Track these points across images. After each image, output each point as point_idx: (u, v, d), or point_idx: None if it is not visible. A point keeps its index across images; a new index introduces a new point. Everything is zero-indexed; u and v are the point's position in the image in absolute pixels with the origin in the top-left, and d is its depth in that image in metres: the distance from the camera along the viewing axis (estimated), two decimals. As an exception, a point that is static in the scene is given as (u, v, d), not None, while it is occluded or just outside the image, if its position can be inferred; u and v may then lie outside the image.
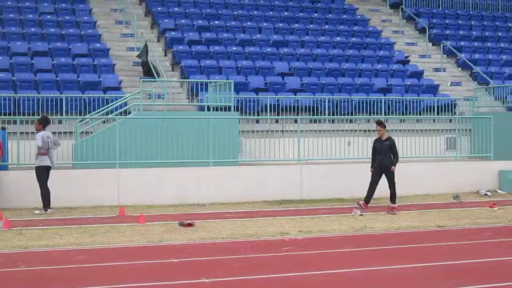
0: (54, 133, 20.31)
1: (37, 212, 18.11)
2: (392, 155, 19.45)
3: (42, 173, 18.40)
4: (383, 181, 19.50)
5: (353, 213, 18.17)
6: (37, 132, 18.71)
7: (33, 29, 28.58)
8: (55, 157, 19.16)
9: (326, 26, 33.62)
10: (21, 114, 22.46)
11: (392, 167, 19.34)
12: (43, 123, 18.79)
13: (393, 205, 19.18)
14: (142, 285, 10.25)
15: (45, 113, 21.35)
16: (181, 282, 10.49)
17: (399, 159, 19.80)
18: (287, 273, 11.17)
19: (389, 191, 19.42)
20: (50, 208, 18.17)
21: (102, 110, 22.74)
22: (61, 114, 22.69)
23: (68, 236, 14.68)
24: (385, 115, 25.59)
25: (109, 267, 11.73)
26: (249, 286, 10.50)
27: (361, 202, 19.17)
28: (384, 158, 19.37)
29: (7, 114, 22.22)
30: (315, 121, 24.83)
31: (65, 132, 21.49)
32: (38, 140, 18.34)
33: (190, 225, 15.91)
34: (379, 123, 19.81)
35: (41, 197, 18.22)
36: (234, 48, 29.69)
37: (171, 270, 11.46)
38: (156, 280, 10.58)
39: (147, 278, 10.69)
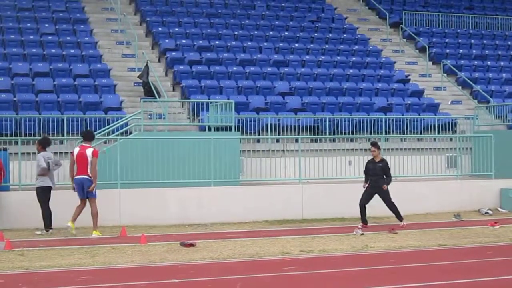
0: (55, 153, 20.41)
1: (39, 232, 18.14)
2: (384, 176, 19.53)
3: (43, 194, 18.42)
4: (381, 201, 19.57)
5: (354, 233, 18.17)
6: (38, 153, 18.74)
7: (34, 50, 28.68)
8: (55, 178, 19.18)
9: (327, 46, 33.72)
10: (23, 135, 22.52)
11: (384, 186, 19.39)
12: (43, 144, 18.82)
13: (402, 223, 19.41)
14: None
15: (46, 134, 21.39)
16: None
17: (392, 179, 19.86)
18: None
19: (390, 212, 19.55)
20: (51, 228, 18.19)
21: (104, 131, 22.77)
22: (63, 135, 22.75)
23: (69, 256, 14.68)
24: (385, 134, 25.64)
25: (110, 287, 11.73)
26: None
27: (360, 225, 19.16)
28: (378, 179, 19.45)
29: (9, 135, 22.28)
30: (316, 141, 24.86)
31: (66, 153, 21.49)
32: (40, 161, 18.34)
33: (191, 245, 15.92)
34: (374, 144, 19.90)
35: (42, 218, 18.24)
36: (235, 68, 29.77)
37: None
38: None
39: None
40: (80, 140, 20.87)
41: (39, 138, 19.71)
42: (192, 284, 12.10)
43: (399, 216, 19.52)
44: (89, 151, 18.25)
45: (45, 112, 24.21)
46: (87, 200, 18.23)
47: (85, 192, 18.12)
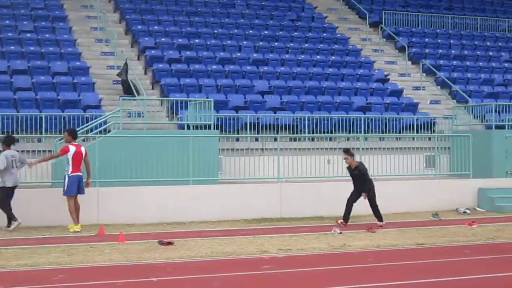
0: (34, 152, 20.36)
1: (10, 228, 18.14)
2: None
3: (5, 193, 18.49)
4: (360, 200, 19.61)
5: (332, 232, 18.21)
6: (2, 151, 18.75)
7: (12, 48, 28.49)
8: (19, 175, 19.19)
9: (306, 45, 33.74)
10: (1, 132, 22.37)
11: (362, 194, 19.49)
12: (7, 143, 18.83)
13: (381, 223, 19.50)
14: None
15: (9, 132, 21.21)
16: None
17: (377, 177, 19.94)
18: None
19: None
20: (12, 225, 18.30)
21: (82, 129, 22.67)
22: (41, 133, 22.61)
23: (47, 255, 14.62)
24: (364, 133, 25.68)
25: (88, 286, 11.70)
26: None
27: (339, 221, 19.23)
28: (361, 184, 19.59)
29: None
30: (295, 139, 24.90)
31: (44, 151, 21.41)
32: (1, 160, 18.36)
33: (169, 243, 15.91)
34: (346, 152, 19.91)
35: (6, 216, 18.39)
36: (214, 67, 29.73)
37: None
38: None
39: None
40: (59, 138, 20.90)
41: (3, 136, 19.67)
42: (170, 282, 12.09)
43: (380, 218, 19.61)
44: (83, 149, 18.90)
45: (23, 110, 24.05)
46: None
47: (80, 188, 18.58)
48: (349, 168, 19.88)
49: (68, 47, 29.30)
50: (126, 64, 27.14)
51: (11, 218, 18.38)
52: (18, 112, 23.75)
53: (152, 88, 28.49)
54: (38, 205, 19.27)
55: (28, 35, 29.80)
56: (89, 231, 18.11)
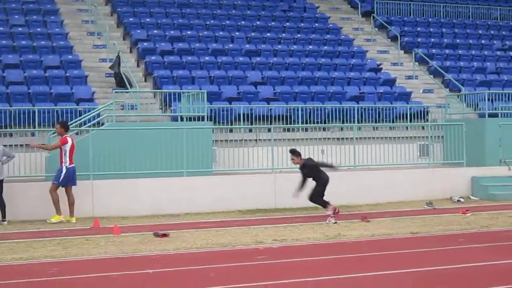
0: (27, 146, 20.36)
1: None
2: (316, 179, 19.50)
3: None
4: (359, 190, 19.60)
5: (327, 221, 18.22)
6: None
7: (4, 42, 28.42)
8: (7, 170, 19.30)
9: (298, 35, 33.73)
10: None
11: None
12: None
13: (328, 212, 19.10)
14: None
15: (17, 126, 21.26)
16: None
17: (371, 167, 19.84)
18: (261, 281, 11.18)
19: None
20: (5, 220, 18.41)
21: (75, 122, 22.64)
22: (34, 127, 22.58)
23: (42, 249, 14.62)
24: (358, 123, 25.69)
25: (83, 278, 11.69)
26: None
27: (333, 207, 19.09)
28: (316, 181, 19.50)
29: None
30: (288, 130, 24.90)
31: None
32: None
33: (164, 235, 15.91)
34: (292, 152, 19.80)
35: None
36: (207, 58, 29.70)
37: (146, 281, 11.44)
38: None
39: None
40: (52, 131, 20.90)
41: None
42: (166, 274, 12.09)
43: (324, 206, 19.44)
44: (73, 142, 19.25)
45: (16, 104, 24.01)
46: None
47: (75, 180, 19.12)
48: (300, 167, 19.75)
49: (60, 41, 29.24)
50: (118, 56, 27.10)
51: (4, 214, 18.49)
52: (11, 106, 23.71)
53: (145, 81, 28.48)
54: (32, 198, 19.27)
55: (20, 29, 29.73)
56: (84, 224, 18.11)
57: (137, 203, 20.31)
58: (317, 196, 19.38)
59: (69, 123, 21.87)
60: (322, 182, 19.35)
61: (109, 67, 27.57)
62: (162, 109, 25.77)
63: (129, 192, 20.42)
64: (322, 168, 19.63)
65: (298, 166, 19.80)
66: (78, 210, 19.10)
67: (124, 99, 24.23)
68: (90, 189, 19.99)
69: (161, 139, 21.54)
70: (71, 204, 19.01)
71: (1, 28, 29.51)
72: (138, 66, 29.57)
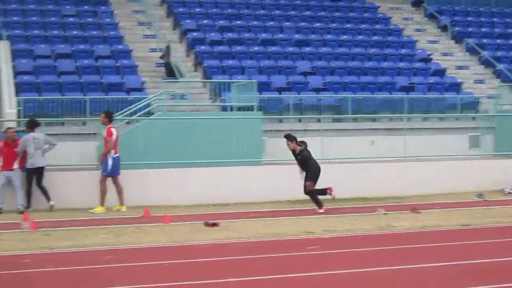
0: (78, 135, 20.56)
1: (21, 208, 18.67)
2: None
3: (29, 175, 18.99)
4: (409, 181, 19.41)
5: (377, 212, 18.15)
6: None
7: (56, 32, 28.76)
8: (46, 157, 19.43)
9: (348, 25, 33.59)
10: (46, 116, 22.63)
11: (307, 183, 18.72)
12: (30, 126, 19.23)
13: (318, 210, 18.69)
14: (168, 285, 10.27)
15: (32, 117, 21.32)
16: (206, 281, 10.50)
17: (421, 158, 19.64)
18: (312, 272, 11.16)
19: None
20: (51, 200, 18.89)
21: (126, 111, 22.82)
22: (85, 116, 22.83)
23: (94, 237, 14.75)
24: (408, 113, 25.54)
25: (135, 267, 11.78)
26: (274, 285, 10.50)
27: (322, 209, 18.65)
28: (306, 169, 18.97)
29: (32, 116, 22.33)
30: (338, 120, 24.87)
31: (89, 134, 21.62)
32: (20, 145, 18.87)
33: (214, 225, 15.95)
34: (287, 137, 19.16)
35: (25, 196, 18.93)
36: (256, 48, 29.75)
37: (196, 270, 11.49)
38: (182, 279, 10.60)
39: (172, 278, 10.71)
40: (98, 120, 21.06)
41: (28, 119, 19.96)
42: (216, 263, 12.09)
43: (317, 204, 18.89)
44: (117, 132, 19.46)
45: (68, 93, 24.31)
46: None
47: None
48: (293, 153, 19.25)
49: (111, 31, 29.51)
50: (168, 47, 27.26)
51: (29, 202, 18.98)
52: (62, 95, 23.98)
53: (195, 70, 28.58)
54: (83, 187, 19.46)
55: (71, 19, 30.06)
56: (135, 213, 18.25)
57: (187, 192, 20.40)
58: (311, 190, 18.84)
59: (120, 112, 22.14)
60: (312, 173, 18.77)
61: (159, 57, 27.74)
62: (211, 99, 25.85)
63: (179, 181, 20.52)
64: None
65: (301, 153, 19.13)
66: (128, 199, 19.26)
67: (174, 89, 24.36)
68: (141, 178, 20.12)
69: (211, 129, 21.62)
70: (119, 193, 19.18)
71: (53, 19, 29.85)
72: (187, 56, 29.69)
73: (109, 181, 19.23)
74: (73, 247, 13.57)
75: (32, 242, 14.12)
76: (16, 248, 13.46)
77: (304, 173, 18.99)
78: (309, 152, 18.98)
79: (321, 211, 18.48)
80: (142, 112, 22.69)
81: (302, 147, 18.96)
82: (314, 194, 18.81)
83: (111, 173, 19.04)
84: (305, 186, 18.87)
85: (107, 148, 19.10)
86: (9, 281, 10.66)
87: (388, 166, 21.00)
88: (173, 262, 12.10)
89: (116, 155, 19.13)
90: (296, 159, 19.18)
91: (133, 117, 22.43)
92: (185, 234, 14.97)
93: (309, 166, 18.85)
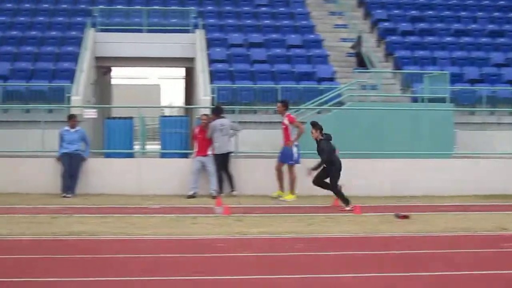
0: (266, 123, 20.92)
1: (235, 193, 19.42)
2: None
3: (215, 161, 19.51)
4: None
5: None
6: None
7: (249, 21, 29.41)
8: (232, 143, 19.99)
9: (546, 14, 32.43)
10: (238, 104, 23.18)
11: (308, 170, 17.65)
12: (216, 113, 19.69)
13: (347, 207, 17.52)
14: (360, 276, 10.32)
15: (224, 104, 21.70)
16: (401, 274, 10.47)
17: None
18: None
19: None
20: (234, 190, 19.56)
21: (317, 101, 23.01)
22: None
23: (285, 224, 14.95)
24: None
25: (328, 256, 11.88)
26: (476, 282, 10.27)
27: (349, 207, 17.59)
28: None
29: (226, 103, 22.94)
30: (533, 114, 24.11)
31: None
32: (209, 130, 19.40)
33: (405, 217, 15.82)
34: (313, 125, 18.08)
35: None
36: (448, 39, 29.24)
37: (390, 261, 11.45)
38: (374, 271, 10.61)
39: (365, 269, 10.73)
40: (294, 109, 21.29)
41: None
42: (410, 256, 11.99)
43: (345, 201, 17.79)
44: None
45: (260, 81, 24.78)
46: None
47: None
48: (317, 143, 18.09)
49: (302, 20, 29.83)
50: (359, 37, 27.26)
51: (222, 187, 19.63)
52: (255, 84, 24.46)
53: (386, 61, 28.42)
54: (268, 174, 19.70)
55: (264, 8, 30.62)
56: (324, 203, 18.36)
57: (376, 183, 20.34)
58: (335, 185, 17.90)
59: (310, 102, 22.37)
60: (336, 168, 17.76)
61: (350, 47, 27.80)
62: (402, 89, 25.64)
63: (368, 172, 20.46)
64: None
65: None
66: (318, 188, 19.42)
67: (365, 79, 24.33)
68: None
69: (401, 120, 21.43)
70: (292, 181, 19.21)
71: (247, 8, 30.54)
72: (378, 46, 29.58)
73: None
74: (264, 233, 13.79)
75: (225, 226, 14.49)
76: (210, 232, 13.85)
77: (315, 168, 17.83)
78: (327, 146, 17.76)
79: (348, 208, 17.43)
80: (333, 102, 22.80)
81: (323, 138, 17.91)
82: (339, 191, 17.87)
83: (297, 160, 19.21)
84: (331, 182, 17.94)
85: (300, 133, 19.07)
86: (210, 263, 11.00)
87: None
88: (364, 253, 12.12)
89: (296, 143, 19.26)
90: (317, 149, 18.09)
91: (323, 107, 22.58)
92: (376, 225, 14.92)
93: (331, 161, 17.74)
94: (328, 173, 17.77)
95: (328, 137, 17.89)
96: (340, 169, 17.76)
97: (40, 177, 19.90)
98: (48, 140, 20.36)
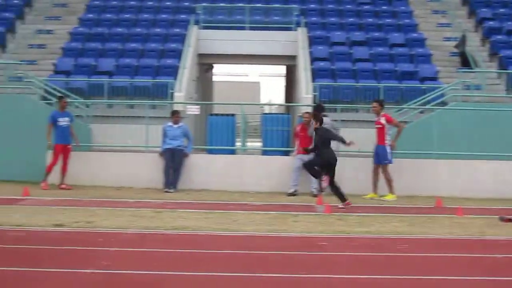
0: (364, 121, 20.85)
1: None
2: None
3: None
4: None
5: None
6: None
7: (351, 19, 29.35)
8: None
9: None
10: (340, 102, 23.16)
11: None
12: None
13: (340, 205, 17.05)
14: (467, 279, 10.20)
15: (325, 102, 21.54)
16: (505, 278, 10.32)
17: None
18: None
19: None
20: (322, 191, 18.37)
21: (419, 100, 22.80)
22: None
23: (387, 224, 14.90)
24: None
25: (430, 257, 11.74)
26: None
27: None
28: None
29: (327, 102, 22.94)
30: None
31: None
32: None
33: (510, 220, 15.56)
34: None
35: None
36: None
37: (493, 265, 11.29)
38: (479, 274, 10.47)
39: (471, 272, 10.59)
40: (397, 109, 21.14)
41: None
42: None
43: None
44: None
45: (362, 80, 24.69)
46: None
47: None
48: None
49: (405, 19, 29.62)
50: (464, 35, 26.87)
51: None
52: (357, 82, 24.40)
53: (490, 61, 27.92)
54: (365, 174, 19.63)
55: (367, 7, 30.55)
56: (426, 203, 18.21)
57: (479, 184, 20.09)
58: (311, 168, 17.36)
59: (413, 101, 22.19)
60: (324, 160, 17.09)
61: (454, 46, 27.44)
62: (507, 90, 25.17)
63: (469, 173, 20.29)
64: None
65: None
66: (418, 189, 19.36)
67: (469, 79, 23.98)
68: (433, 169, 20.12)
69: (506, 121, 21.04)
70: (389, 181, 19.03)
71: (349, 6, 30.53)
72: (483, 45, 29.08)
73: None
74: (367, 233, 13.76)
75: (327, 225, 14.51)
76: (312, 230, 13.90)
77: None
78: (325, 133, 17.26)
79: (340, 206, 16.97)
80: (436, 102, 22.55)
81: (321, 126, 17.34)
82: (336, 187, 17.31)
83: (390, 160, 19.07)
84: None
85: (400, 131, 19.08)
86: (311, 262, 11.04)
87: None
88: (468, 255, 11.98)
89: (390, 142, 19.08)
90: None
91: (426, 107, 22.36)
92: (480, 227, 14.68)
93: (320, 151, 17.18)
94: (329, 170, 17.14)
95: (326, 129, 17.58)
96: (329, 164, 17.09)
97: (143, 172, 20.31)
98: (151, 135, 20.73)
